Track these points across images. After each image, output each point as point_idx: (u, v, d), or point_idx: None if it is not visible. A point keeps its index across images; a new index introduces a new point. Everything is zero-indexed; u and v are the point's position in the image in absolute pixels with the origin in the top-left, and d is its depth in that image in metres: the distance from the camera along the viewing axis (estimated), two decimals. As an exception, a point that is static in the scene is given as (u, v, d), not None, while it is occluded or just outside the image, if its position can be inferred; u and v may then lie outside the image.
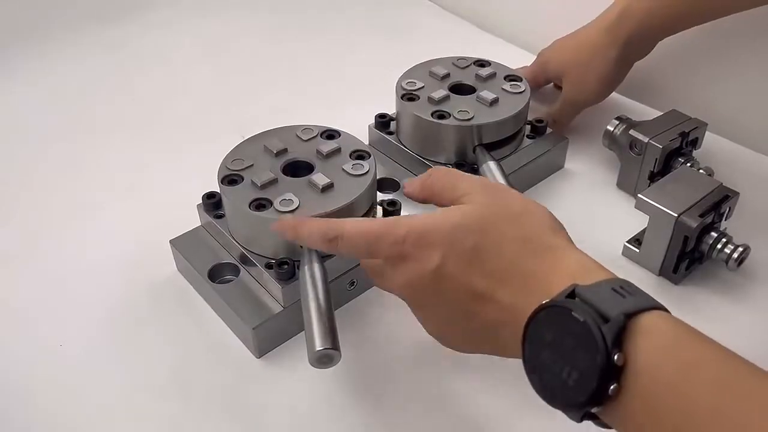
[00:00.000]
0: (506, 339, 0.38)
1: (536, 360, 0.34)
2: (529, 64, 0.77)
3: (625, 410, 0.32)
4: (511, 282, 0.38)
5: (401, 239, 0.40)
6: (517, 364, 0.36)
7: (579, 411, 0.33)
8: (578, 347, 0.32)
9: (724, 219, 0.57)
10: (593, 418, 0.33)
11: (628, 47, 0.67)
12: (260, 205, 0.50)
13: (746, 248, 0.55)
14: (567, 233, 0.42)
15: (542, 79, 0.76)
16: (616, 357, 0.31)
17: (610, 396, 0.31)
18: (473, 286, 0.39)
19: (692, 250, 0.56)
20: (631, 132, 0.63)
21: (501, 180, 0.57)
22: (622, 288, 0.34)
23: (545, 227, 0.41)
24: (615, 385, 0.31)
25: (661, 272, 0.57)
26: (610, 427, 0.34)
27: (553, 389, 0.34)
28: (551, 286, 0.36)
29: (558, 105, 0.72)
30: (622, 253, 0.60)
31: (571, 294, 0.34)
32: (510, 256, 0.39)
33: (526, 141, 0.65)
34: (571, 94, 0.71)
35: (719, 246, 0.55)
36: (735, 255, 0.55)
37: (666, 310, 0.35)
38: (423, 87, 0.64)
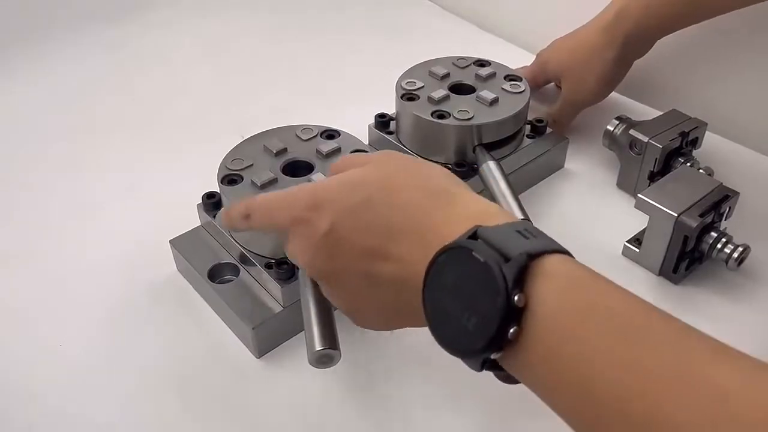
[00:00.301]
0: (411, 299, 0.35)
1: (436, 307, 0.33)
2: (528, 64, 0.77)
3: (525, 355, 0.31)
4: (407, 235, 0.36)
5: (297, 203, 0.39)
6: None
7: (478, 357, 0.32)
8: (478, 289, 0.31)
9: (724, 219, 0.57)
10: (494, 367, 0.32)
11: (626, 47, 0.67)
12: (260, 205, 0.50)
13: (746, 248, 0.55)
14: (467, 186, 0.40)
15: (542, 80, 0.76)
16: (516, 298, 0.30)
17: (510, 340, 0.30)
18: (367, 243, 0.37)
19: (692, 250, 0.56)
20: (631, 132, 0.63)
21: (501, 180, 0.56)
22: (526, 230, 0.33)
23: (443, 177, 0.39)
24: (515, 327, 0.30)
25: (661, 272, 0.57)
26: (510, 379, 0.33)
27: (453, 336, 0.32)
28: (452, 233, 0.34)
29: (558, 105, 0.71)
30: (622, 253, 0.60)
31: (473, 236, 0.33)
32: (405, 207, 0.37)
33: (526, 141, 0.65)
34: (571, 95, 0.70)
35: (719, 246, 0.55)
36: (735, 255, 0.55)
37: (570, 255, 0.34)
38: (423, 87, 0.64)
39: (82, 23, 0.96)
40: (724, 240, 0.55)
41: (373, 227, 0.37)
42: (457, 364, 0.51)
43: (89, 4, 0.99)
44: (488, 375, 0.50)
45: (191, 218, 0.58)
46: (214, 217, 0.55)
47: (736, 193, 0.57)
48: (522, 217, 0.52)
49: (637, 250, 0.59)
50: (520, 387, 0.49)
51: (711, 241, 0.56)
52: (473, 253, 0.31)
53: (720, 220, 0.57)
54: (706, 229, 0.56)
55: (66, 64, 0.89)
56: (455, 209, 0.37)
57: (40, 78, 0.86)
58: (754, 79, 0.74)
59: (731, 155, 0.72)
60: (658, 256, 0.56)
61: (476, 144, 0.61)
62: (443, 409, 0.48)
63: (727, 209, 0.57)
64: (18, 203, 0.67)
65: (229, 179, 0.52)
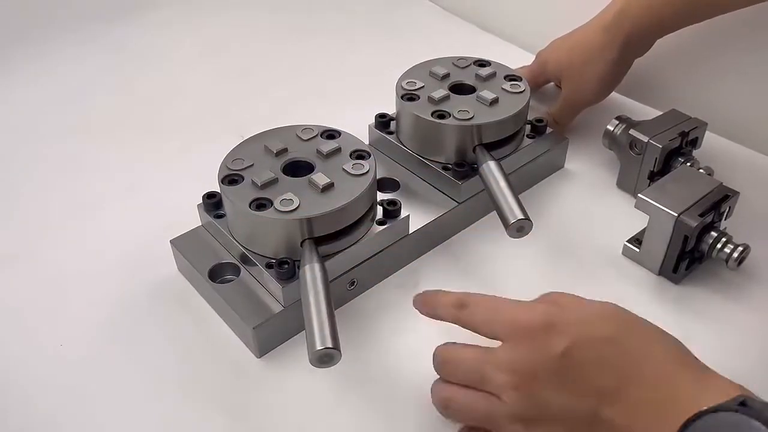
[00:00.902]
0: None
1: None
2: (528, 64, 0.77)
3: None
4: (647, 385, 0.36)
5: (529, 316, 0.39)
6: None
7: None
8: None
9: (724, 218, 0.57)
10: None
11: (626, 47, 0.66)
12: (260, 204, 0.50)
13: (746, 248, 0.55)
14: None
15: (541, 80, 0.76)
16: None
17: None
18: (600, 381, 0.36)
19: (692, 250, 0.56)
20: (631, 132, 0.63)
21: (501, 180, 0.56)
22: None
23: (681, 343, 0.40)
24: None
25: (661, 272, 0.58)
26: None
27: None
28: (704, 399, 0.34)
29: (558, 105, 0.71)
30: (622, 253, 0.60)
31: (741, 404, 0.33)
32: (649, 356, 0.37)
33: (526, 141, 0.65)
34: (571, 95, 0.70)
35: (719, 245, 0.56)
36: (735, 254, 0.55)
37: None
38: (423, 87, 0.64)
39: (83, 23, 0.96)
40: (724, 240, 0.56)
41: (611, 366, 0.37)
42: (458, 363, 0.51)
43: (89, 4, 0.99)
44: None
45: (192, 218, 0.58)
46: (216, 217, 0.55)
47: (736, 193, 0.57)
48: (522, 217, 0.52)
49: (637, 250, 0.59)
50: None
51: (711, 241, 0.56)
52: (754, 421, 0.31)
53: (720, 220, 0.57)
54: (706, 229, 0.56)
55: (66, 64, 0.89)
56: (705, 374, 0.37)
57: (40, 78, 0.86)
58: (754, 79, 0.75)
59: (731, 155, 0.72)
60: (658, 256, 0.56)
61: (476, 144, 0.61)
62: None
63: (727, 209, 0.57)
64: (18, 203, 0.67)
65: (230, 179, 0.52)
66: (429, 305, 0.47)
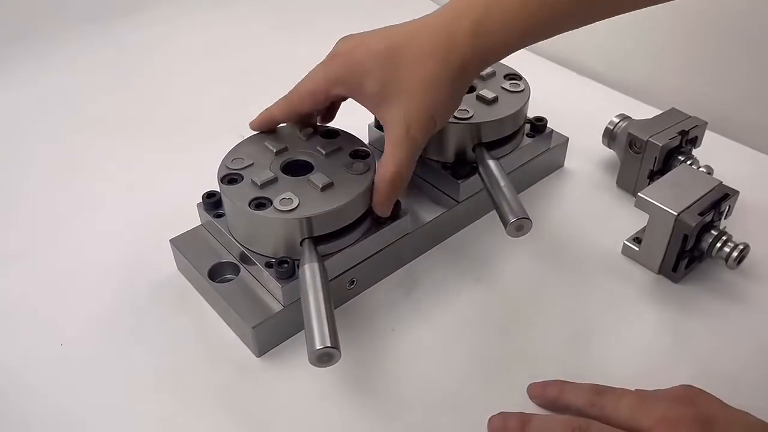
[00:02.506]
0: None
1: None
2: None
3: None
4: None
5: (678, 412, 0.42)
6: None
7: None
8: None
9: (723, 218, 0.57)
10: None
11: (470, 69, 0.51)
12: (260, 204, 0.50)
13: (746, 247, 0.55)
14: None
15: (323, 98, 0.55)
16: None
17: None
18: None
19: (692, 249, 0.56)
20: (631, 130, 0.63)
21: (501, 179, 0.56)
22: None
23: None
24: None
25: (661, 271, 0.58)
26: None
27: None
28: None
29: (389, 158, 0.51)
30: (622, 252, 0.60)
31: None
32: None
33: (526, 140, 0.65)
34: (404, 137, 0.50)
35: (719, 244, 0.56)
36: (734, 254, 0.55)
37: None
38: (422, 86, 0.64)
39: (82, 23, 0.96)
40: (723, 239, 0.56)
41: None
42: (457, 364, 0.51)
43: (89, 3, 0.99)
44: (488, 379, 0.51)
45: (191, 218, 0.58)
46: (216, 216, 0.55)
47: (736, 192, 0.57)
48: (521, 216, 0.52)
49: (637, 249, 0.59)
50: (524, 396, 0.49)
51: (711, 240, 0.56)
52: None
53: (720, 219, 0.57)
54: (705, 228, 0.56)
55: (66, 63, 0.89)
56: None
57: (39, 77, 0.86)
58: (753, 78, 0.75)
59: (731, 154, 0.72)
60: (657, 255, 0.57)
61: (476, 143, 0.61)
62: (443, 408, 0.48)
63: (727, 208, 0.57)
64: (18, 203, 0.67)
65: (230, 179, 0.52)
66: (552, 391, 0.48)
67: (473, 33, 0.49)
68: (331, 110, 0.59)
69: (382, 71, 0.50)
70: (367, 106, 0.53)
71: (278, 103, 0.56)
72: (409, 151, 0.51)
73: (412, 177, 0.63)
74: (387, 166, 0.51)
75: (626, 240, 0.60)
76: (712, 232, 0.56)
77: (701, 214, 0.54)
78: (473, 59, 0.50)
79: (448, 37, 0.50)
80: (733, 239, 0.56)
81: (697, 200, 0.55)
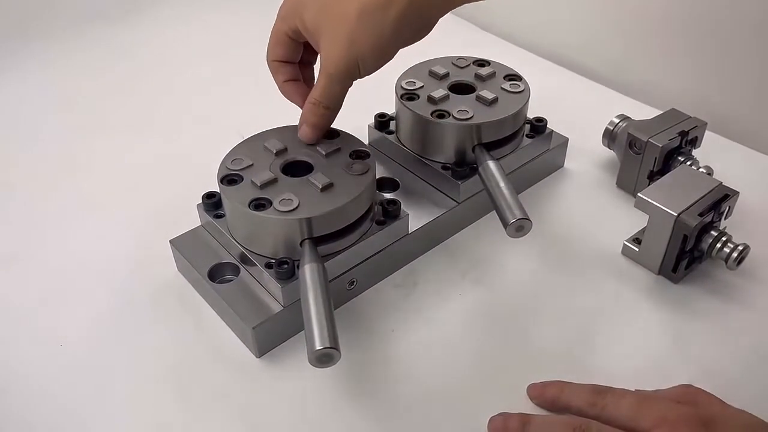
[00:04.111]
0: None
1: None
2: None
3: None
4: None
5: (678, 412, 0.42)
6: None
7: None
8: None
9: (723, 218, 0.57)
10: None
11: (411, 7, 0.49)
12: (260, 204, 0.50)
13: (746, 247, 0.55)
14: None
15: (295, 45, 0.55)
16: None
17: None
18: None
19: (692, 249, 0.56)
20: (631, 131, 0.63)
21: (501, 179, 0.56)
22: None
23: None
24: None
25: (661, 271, 0.58)
26: None
27: None
28: None
29: (319, 81, 0.52)
30: (622, 252, 0.60)
31: None
32: None
33: (526, 140, 0.65)
34: (329, 62, 0.50)
35: (719, 245, 0.56)
36: (734, 254, 0.55)
37: None
38: (422, 86, 0.64)
39: (82, 23, 0.96)
40: (723, 239, 0.56)
41: None
42: (457, 364, 0.51)
43: (89, 3, 1.00)
44: (488, 379, 0.51)
45: (191, 218, 0.58)
46: (216, 217, 0.55)
47: (736, 193, 0.57)
48: (521, 217, 0.52)
49: (637, 250, 0.59)
50: (523, 396, 0.49)
51: (710, 241, 0.56)
52: None
53: (720, 220, 0.57)
54: (705, 229, 0.56)
55: (66, 63, 0.89)
56: None
57: (39, 77, 0.86)
58: (753, 78, 0.75)
59: (731, 154, 0.72)
60: (657, 256, 0.57)
61: (476, 144, 0.61)
62: (443, 409, 0.48)
63: (727, 209, 0.57)
64: (18, 203, 0.67)
65: (229, 179, 0.53)
66: (552, 391, 0.48)
67: None
68: (307, 55, 0.57)
69: (314, 3, 0.50)
70: (309, 40, 0.53)
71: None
72: (326, 83, 0.51)
73: (411, 177, 0.64)
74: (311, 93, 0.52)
75: (626, 240, 0.60)
76: (712, 232, 0.56)
77: (701, 214, 0.54)
78: None
79: None
80: (733, 240, 0.56)
81: (697, 201, 0.55)
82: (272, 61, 0.56)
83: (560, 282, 0.58)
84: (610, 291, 0.57)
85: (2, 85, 0.85)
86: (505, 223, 0.53)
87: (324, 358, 0.43)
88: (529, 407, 0.48)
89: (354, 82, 0.52)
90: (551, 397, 0.47)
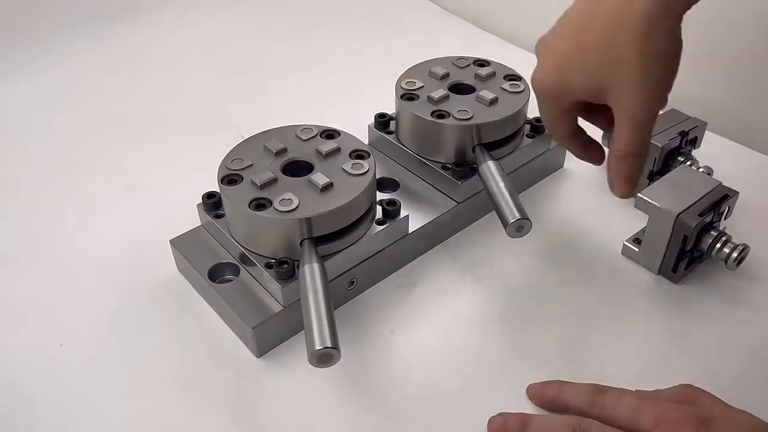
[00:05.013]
0: None
1: None
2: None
3: None
4: None
5: (677, 410, 0.42)
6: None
7: None
8: None
9: (723, 218, 0.57)
10: None
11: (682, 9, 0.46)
12: (260, 204, 0.50)
13: (745, 247, 0.55)
14: None
15: (573, 122, 0.54)
16: None
17: None
18: None
19: (691, 250, 0.56)
20: (631, 131, 0.63)
21: (500, 180, 0.56)
22: None
23: None
24: None
25: (661, 271, 0.58)
26: None
27: None
28: None
29: (622, 132, 0.48)
30: (622, 252, 0.60)
31: None
32: None
33: (526, 140, 0.65)
34: (636, 106, 0.48)
35: (718, 245, 0.56)
36: (734, 254, 0.55)
37: None
38: (422, 87, 0.64)
39: (82, 23, 0.96)
40: (723, 239, 0.56)
41: None
42: (457, 364, 0.51)
43: (89, 3, 0.99)
44: (488, 379, 0.51)
45: (191, 218, 0.58)
46: (216, 217, 0.55)
47: (736, 193, 0.57)
48: (521, 217, 0.52)
49: (637, 250, 0.59)
50: (524, 396, 0.49)
51: (710, 241, 0.56)
52: None
53: (719, 220, 0.57)
54: (705, 229, 0.56)
55: (66, 63, 0.89)
56: None
57: (39, 77, 0.86)
58: (753, 79, 0.75)
59: (731, 154, 0.72)
60: (657, 256, 0.57)
61: (476, 144, 0.61)
62: (443, 409, 0.48)
63: (727, 209, 0.57)
64: (17, 203, 0.67)
65: (229, 179, 0.53)
66: (551, 391, 0.48)
67: None
68: (592, 113, 0.54)
69: (582, 70, 0.49)
70: (593, 101, 0.50)
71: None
72: (634, 131, 0.48)
73: (411, 177, 0.64)
74: (616, 145, 0.49)
75: (626, 240, 0.60)
76: (712, 232, 0.56)
77: (701, 214, 0.54)
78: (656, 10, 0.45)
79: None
80: (733, 240, 0.56)
81: (697, 201, 0.55)
82: (565, 140, 0.55)
83: (560, 282, 0.58)
84: (610, 291, 0.57)
85: (2, 85, 0.85)
86: (505, 223, 0.53)
87: (324, 358, 0.43)
88: (528, 407, 0.48)
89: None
90: (550, 397, 0.47)
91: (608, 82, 0.47)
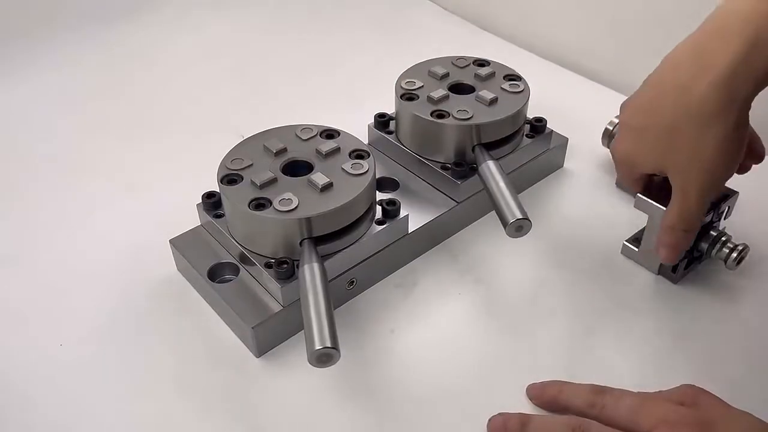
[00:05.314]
0: None
1: None
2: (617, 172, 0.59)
3: None
4: None
5: (678, 414, 0.41)
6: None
7: None
8: None
9: (723, 218, 0.57)
10: None
11: (749, 101, 0.48)
12: (260, 204, 0.50)
13: (745, 247, 0.55)
14: None
15: (643, 181, 0.56)
16: None
17: None
18: None
19: (691, 250, 0.56)
20: (631, 131, 0.63)
21: (500, 179, 0.56)
22: None
23: None
24: None
25: (660, 271, 0.58)
26: None
27: None
28: None
29: (675, 210, 0.51)
30: (621, 252, 0.60)
31: None
32: None
33: (525, 140, 0.65)
34: (689, 188, 0.50)
35: (718, 245, 0.56)
36: (734, 254, 0.55)
37: None
38: (422, 86, 0.64)
39: (82, 23, 0.96)
40: (723, 239, 0.56)
41: None
42: (457, 364, 0.51)
43: (89, 3, 0.99)
44: (488, 379, 0.51)
45: (191, 218, 0.58)
46: (215, 217, 0.55)
47: (735, 193, 0.57)
48: (521, 217, 0.52)
49: (636, 249, 0.59)
50: (524, 396, 0.49)
51: (710, 241, 0.56)
52: None
53: (719, 220, 0.57)
54: (705, 229, 0.56)
55: (65, 64, 0.89)
56: None
57: (39, 78, 0.86)
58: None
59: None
60: (657, 256, 0.57)
61: (475, 144, 0.61)
62: (443, 409, 0.48)
63: (727, 209, 0.57)
64: (17, 203, 0.67)
65: (229, 179, 0.53)
66: (551, 392, 0.48)
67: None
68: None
69: (652, 141, 0.52)
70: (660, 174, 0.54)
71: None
72: (685, 209, 0.51)
73: (411, 177, 0.64)
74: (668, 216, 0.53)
75: (626, 240, 0.60)
76: (712, 232, 0.56)
77: None
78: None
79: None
80: (733, 240, 0.56)
81: None
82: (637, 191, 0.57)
83: (560, 282, 0.58)
84: (609, 291, 0.57)
85: (2, 86, 0.85)
86: (504, 223, 0.53)
87: (324, 358, 0.43)
88: (529, 407, 0.48)
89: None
90: (550, 398, 0.47)
91: (667, 166, 0.51)
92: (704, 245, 0.56)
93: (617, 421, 0.43)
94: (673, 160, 0.50)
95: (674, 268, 0.56)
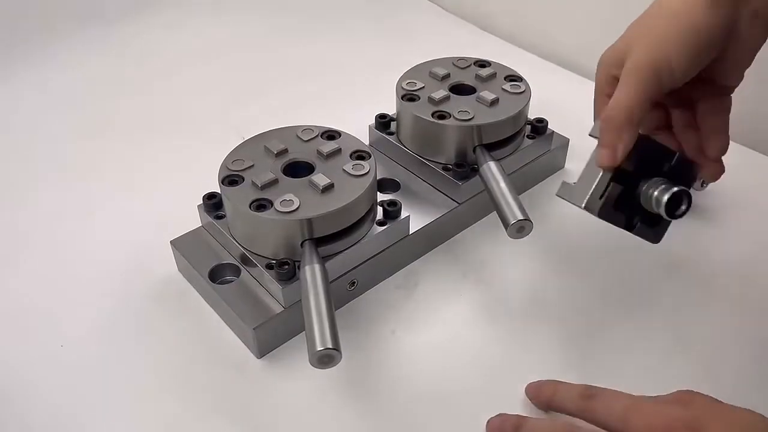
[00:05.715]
0: None
1: None
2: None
3: None
4: None
5: (671, 415, 0.41)
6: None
7: None
8: None
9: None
10: None
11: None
12: (261, 205, 0.50)
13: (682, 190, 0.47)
14: None
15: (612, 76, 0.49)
16: None
17: None
18: None
19: (632, 194, 0.48)
20: (631, 132, 0.63)
21: (501, 180, 0.56)
22: None
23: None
24: None
25: (587, 205, 0.48)
26: None
27: None
28: None
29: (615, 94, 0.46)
30: (557, 194, 0.56)
31: None
32: None
33: (527, 141, 0.65)
34: (640, 58, 0.46)
35: (653, 188, 0.47)
36: (666, 196, 0.46)
37: None
38: (423, 87, 0.64)
39: (82, 24, 0.96)
40: (662, 186, 0.47)
41: None
42: (458, 365, 0.51)
43: (89, 5, 1.00)
44: (489, 380, 0.51)
45: (192, 219, 0.58)
46: (216, 218, 0.55)
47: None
48: (522, 218, 0.52)
49: (573, 184, 0.50)
50: (523, 397, 0.49)
51: (649, 183, 0.48)
52: None
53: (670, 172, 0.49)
54: (650, 175, 0.48)
55: (67, 64, 0.89)
56: None
57: (39, 79, 0.86)
58: (750, 79, 0.74)
59: (730, 154, 0.71)
60: (587, 186, 0.48)
61: (476, 144, 0.61)
62: (444, 410, 0.48)
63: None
64: (18, 203, 0.67)
65: (230, 180, 0.53)
66: (546, 393, 0.47)
67: None
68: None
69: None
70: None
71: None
72: (620, 92, 0.46)
73: (412, 178, 0.64)
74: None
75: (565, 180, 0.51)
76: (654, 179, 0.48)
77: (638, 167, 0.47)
78: None
79: None
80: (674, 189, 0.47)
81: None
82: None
83: (560, 283, 0.58)
84: (609, 292, 0.57)
85: (3, 86, 0.85)
86: (505, 224, 0.53)
87: (325, 359, 0.43)
88: (528, 408, 0.48)
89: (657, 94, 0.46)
90: (546, 399, 0.47)
91: (623, 48, 0.47)
92: (643, 188, 0.48)
93: (608, 425, 0.43)
94: (627, 38, 0.46)
95: (602, 196, 0.47)
